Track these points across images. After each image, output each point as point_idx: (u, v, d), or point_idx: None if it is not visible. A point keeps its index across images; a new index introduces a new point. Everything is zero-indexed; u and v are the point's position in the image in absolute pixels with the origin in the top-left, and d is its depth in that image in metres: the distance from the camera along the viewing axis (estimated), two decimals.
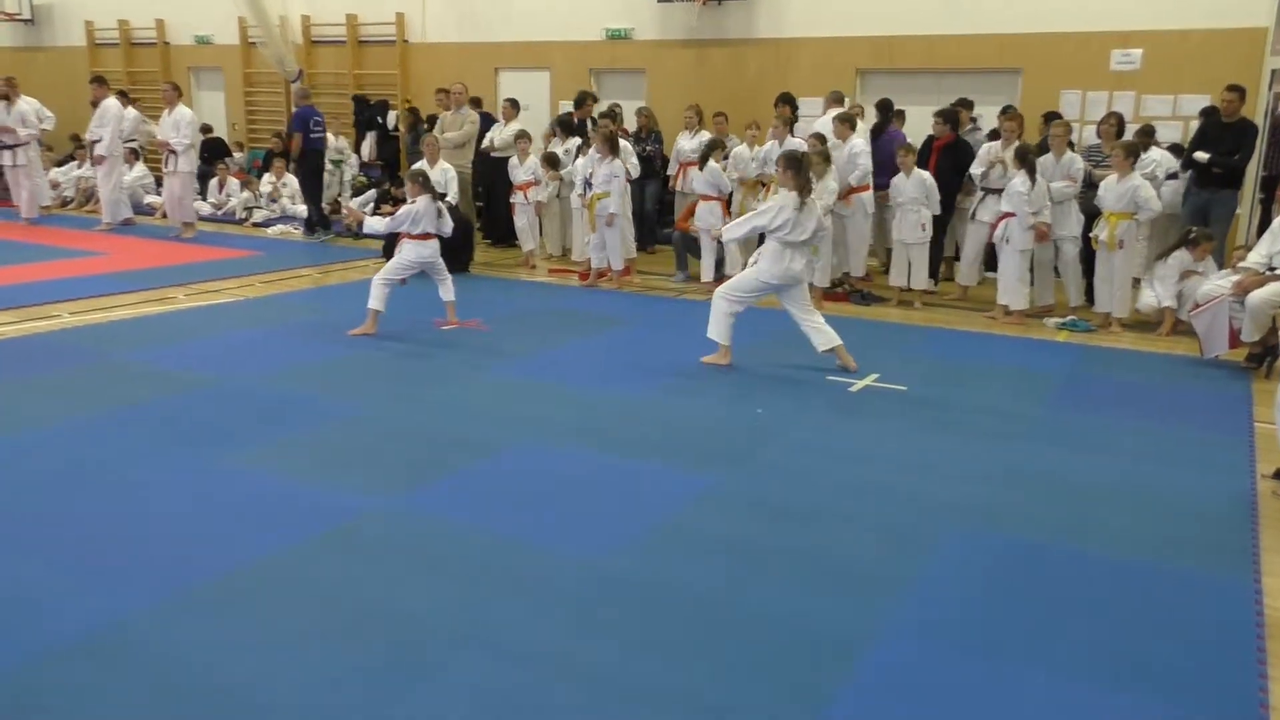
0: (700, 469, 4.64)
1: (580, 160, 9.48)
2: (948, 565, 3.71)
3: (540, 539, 3.83)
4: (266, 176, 13.25)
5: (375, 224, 7.50)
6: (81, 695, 2.74)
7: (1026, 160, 7.76)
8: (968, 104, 9.75)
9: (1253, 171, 9.39)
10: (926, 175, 8.41)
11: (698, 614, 3.29)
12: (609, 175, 8.97)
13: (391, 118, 13.65)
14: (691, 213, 9.49)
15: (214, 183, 13.40)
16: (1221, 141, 8.11)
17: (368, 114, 13.69)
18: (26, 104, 12.22)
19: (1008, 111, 9.60)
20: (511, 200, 10.41)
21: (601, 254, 9.20)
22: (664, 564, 3.64)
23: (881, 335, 7.53)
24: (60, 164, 14.43)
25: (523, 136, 10.30)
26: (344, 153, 13.20)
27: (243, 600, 3.30)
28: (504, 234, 11.25)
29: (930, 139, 9.05)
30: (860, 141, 8.73)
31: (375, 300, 7.05)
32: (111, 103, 11.75)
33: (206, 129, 15.14)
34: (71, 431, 4.95)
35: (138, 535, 3.79)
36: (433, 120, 11.77)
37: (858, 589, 3.49)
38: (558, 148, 10.68)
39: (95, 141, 11.75)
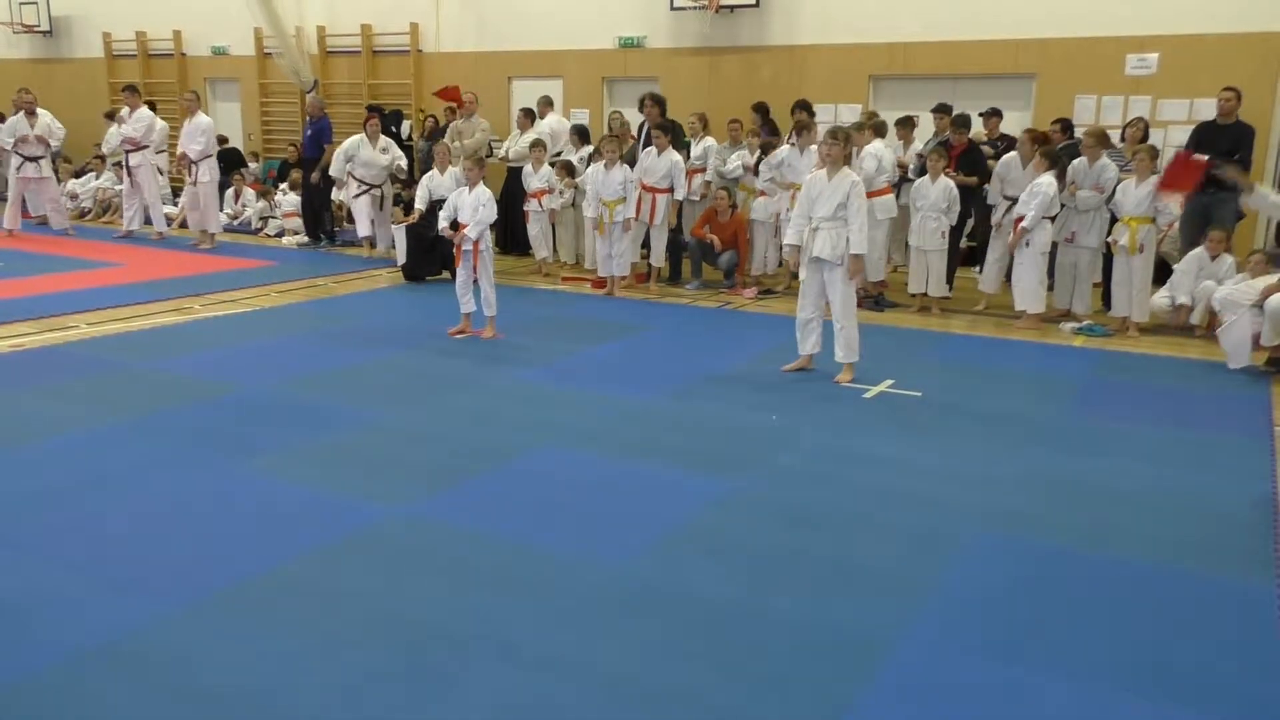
0: (717, 474, 4.63)
1: (592, 168, 9.50)
2: (968, 571, 3.69)
3: (559, 545, 3.83)
4: (283, 186, 13.33)
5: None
6: (103, 701, 2.76)
7: (1059, 162, 7.75)
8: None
9: (1268, 174, 9.33)
10: (952, 184, 8.37)
11: (717, 620, 3.28)
12: (622, 182, 8.99)
13: (406, 127, 13.71)
14: (708, 219, 9.50)
15: (230, 193, 13.48)
16: (1219, 143, 8.07)
17: (383, 123, 13.73)
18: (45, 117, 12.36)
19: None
20: (525, 208, 10.44)
21: (613, 261, 9.21)
22: (683, 570, 3.63)
23: (896, 341, 7.51)
24: (78, 175, 14.55)
25: (537, 145, 10.33)
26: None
27: (262, 607, 3.31)
28: (518, 242, 11.28)
29: (941, 144, 9.03)
30: (877, 145, 8.71)
31: None
32: (144, 112, 11.90)
33: (223, 139, 15.24)
34: (91, 440, 4.98)
35: (158, 542, 3.81)
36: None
37: (877, 594, 3.47)
38: (572, 155, 10.72)
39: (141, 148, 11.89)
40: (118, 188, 13.19)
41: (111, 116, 13.39)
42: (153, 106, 13.26)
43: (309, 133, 11.94)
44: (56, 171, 12.96)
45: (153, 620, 3.19)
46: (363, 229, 11.02)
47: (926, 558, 3.79)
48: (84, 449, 4.85)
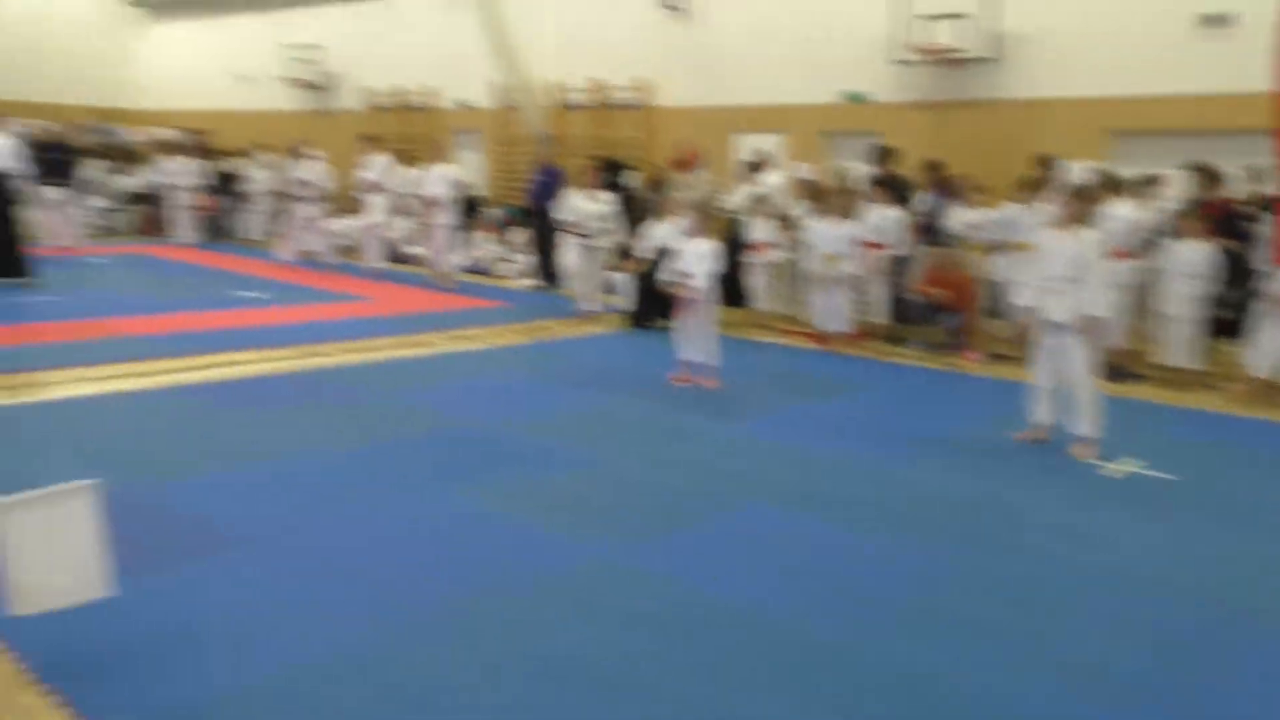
0: (932, 545, 4.49)
1: (813, 222, 9.50)
2: (1198, 673, 3.39)
3: (759, 605, 3.83)
4: (517, 231, 14.09)
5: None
6: (315, 711, 3.00)
7: None
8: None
9: None
10: (1207, 247, 7.80)
11: (919, 696, 3.18)
12: (844, 236, 8.96)
13: (631, 177, 14.20)
14: (932, 277, 9.28)
15: (469, 236, 14.39)
16: None
17: (608, 174, 14.28)
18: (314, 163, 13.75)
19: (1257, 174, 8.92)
20: (746, 260, 10.55)
21: (831, 317, 9.16)
22: (884, 641, 3.55)
23: (1140, 415, 7.00)
24: (340, 215, 15.91)
25: (759, 198, 10.45)
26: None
27: (461, 636, 3.50)
28: (738, 294, 11.38)
29: (1194, 204, 8.44)
30: (1119, 204, 8.26)
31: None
32: (379, 159, 13.06)
33: (465, 186, 16.30)
34: (330, 461, 5.42)
35: (377, 562, 4.11)
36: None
37: (1084, 681, 3.26)
38: (794, 209, 10.76)
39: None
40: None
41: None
42: (407, 155, 14.42)
43: (539, 180, 12.58)
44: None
45: (368, 637, 3.44)
46: (585, 302, 10.77)
47: (1151, 655, 3.51)
48: (329, 468, 5.28)
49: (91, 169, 16.60)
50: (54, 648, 3.18)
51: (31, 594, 2.92)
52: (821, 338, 9.37)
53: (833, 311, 9.18)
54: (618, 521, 4.69)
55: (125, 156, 18.10)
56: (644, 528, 4.61)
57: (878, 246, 9.25)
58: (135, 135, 19.57)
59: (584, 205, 10.88)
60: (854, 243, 9.07)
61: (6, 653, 3.16)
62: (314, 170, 13.73)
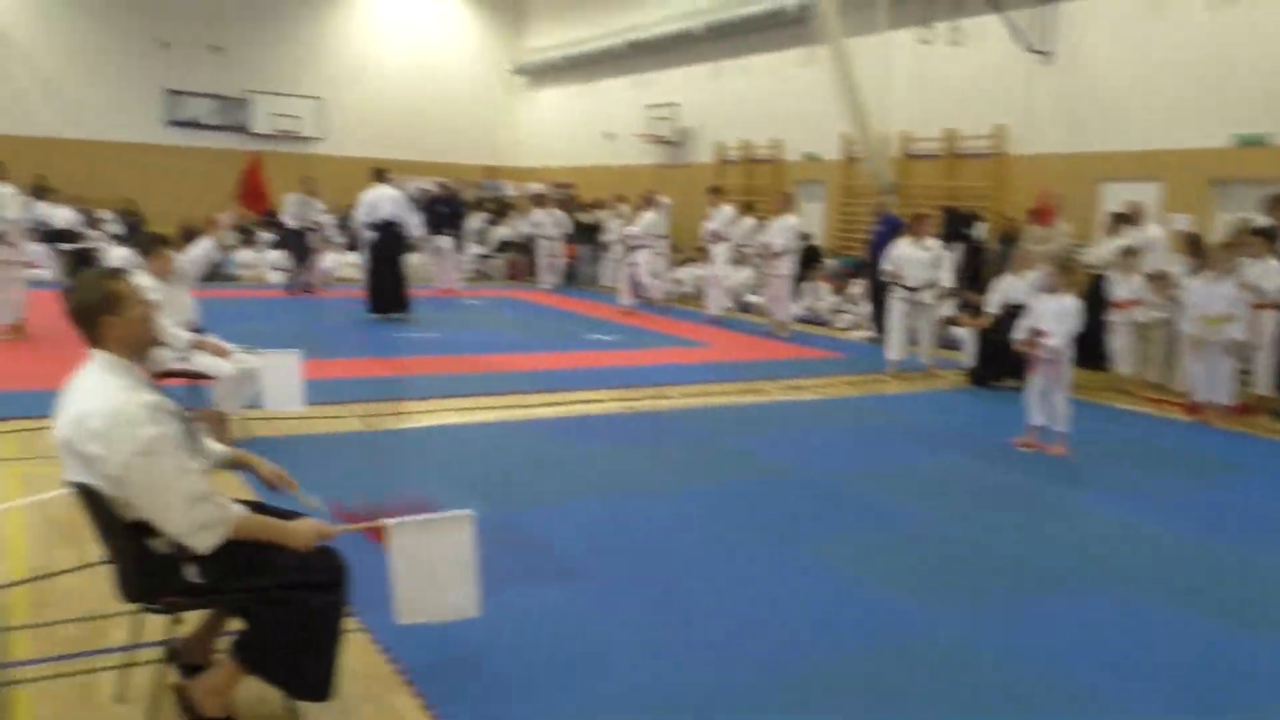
0: None
1: (1192, 279, 8.56)
2: None
3: (1119, 706, 3.45)
4: (855, 282, 13.98)
5: None
6: None
7: None
8: None
9: None
10: None
11: None
12: (1231, 296, 7.99)
13: (979, 229, 13.60)
14: None
15: (807, 286, 14.47)
16: None
17: (954, 224, 13.77)
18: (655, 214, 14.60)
19: None
20: (1108, 319, 9.73)
21: (1210, 385, 8.17)
22: None
23: None
24: (684, 263, 16.67)
25: (1129, 252, 9.61)
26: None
27: (803, 692, 3.45)
28: (1096, 355, 10.51)
29: None
30: None
31: None
32: (724, 210, 13.53)
33: (805, 236, 16.45)
34: (670, 502, 5.59)
35: (718, 606, 4.17)
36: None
37: None
38: (1172, 265, 9.78)
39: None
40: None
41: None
42: (751, 206, 14.83)
43: (879, 231, 12.39)
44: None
45: (707, 682, 3.48)
46: (892, 350, 10.16)
47: None
48: (669, 508, 5.47)
49: (475, 220, 18.67)
50: (422, 655, 3.55)
51: (413, 606, 3.28)
52: (1195, 408, 8.39)
53: (1212, 379, 8.19)
54: (960, 590, 4.46)
55: (501, 209, 20.21)
56: (988, 600, 4.35)
57: (1269, 307, 8.14)
58: (512, 189, 21.80)
59: (911, 254, 10.18)
60: (1242, 303, 8.05)
61: (385, 655, 3.57)
62: (654, 221, 14.49)
